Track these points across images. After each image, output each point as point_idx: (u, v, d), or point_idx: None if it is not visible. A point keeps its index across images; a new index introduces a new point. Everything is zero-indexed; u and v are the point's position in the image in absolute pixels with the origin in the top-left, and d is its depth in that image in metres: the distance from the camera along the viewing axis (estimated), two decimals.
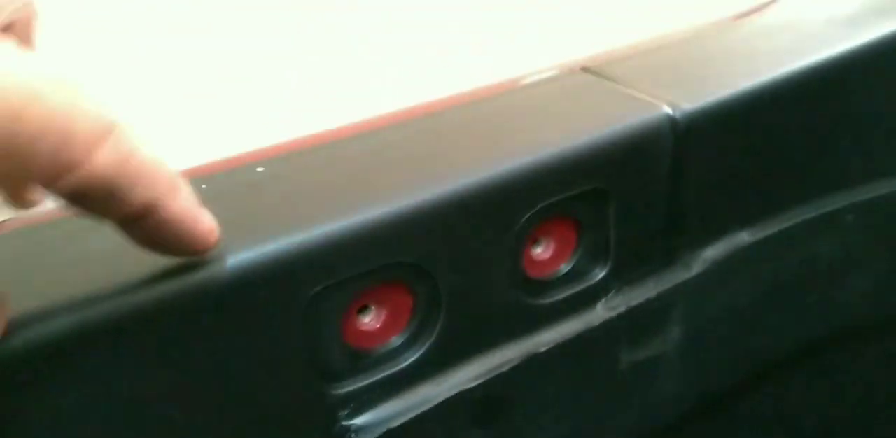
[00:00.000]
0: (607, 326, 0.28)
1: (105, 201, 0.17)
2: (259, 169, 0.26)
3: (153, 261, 0.20)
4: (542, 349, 0.27)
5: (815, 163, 0.32)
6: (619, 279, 0.29)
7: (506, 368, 0.26)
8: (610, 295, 0.29)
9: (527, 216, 0.26)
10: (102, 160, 0.16)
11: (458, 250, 0.25)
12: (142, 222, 0.18)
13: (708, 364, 0.33)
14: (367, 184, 0.24)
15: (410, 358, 0.25)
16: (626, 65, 0.31)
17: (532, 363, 0.27)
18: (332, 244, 0.22)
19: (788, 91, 0.30)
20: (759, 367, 0.34)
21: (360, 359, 0.25)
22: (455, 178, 0.24)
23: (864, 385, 0.40)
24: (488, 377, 0.26)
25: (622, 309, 0.29)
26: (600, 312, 0.28)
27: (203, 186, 0.24)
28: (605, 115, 0.27)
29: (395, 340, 0.25)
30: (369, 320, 0.25)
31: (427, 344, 0.25)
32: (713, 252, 0.31)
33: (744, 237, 0.31)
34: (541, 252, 0.27)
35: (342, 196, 0.23)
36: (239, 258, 0.21)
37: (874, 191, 0.34)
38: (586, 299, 0.28)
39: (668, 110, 0.28)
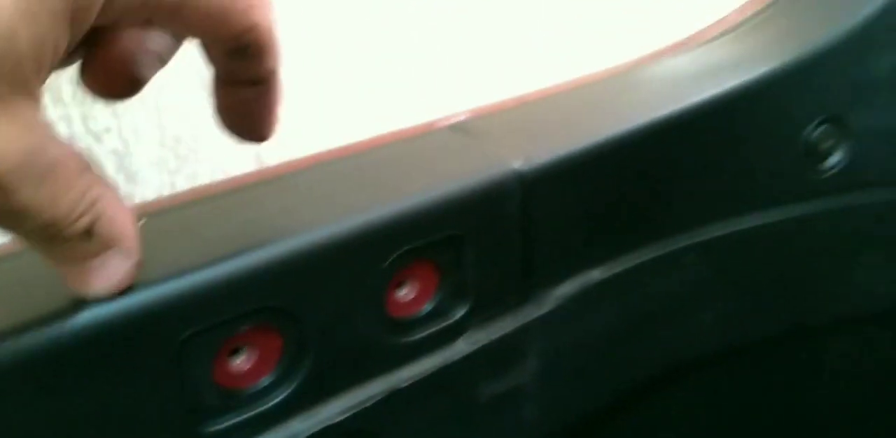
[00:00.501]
0: (467, 360, 0.31)
1: (253, 59, 0.23)
2: (140, 221, 0.28)
3: (24, 311, 0.22)
4: (406, 383, 0.30)
5: (656, 209, 0.37)
6: (478, 316, 0.32)
7: (370, 403, 0.29)
8: (469, 331, 0.32)
9: (389, 261, 0.28)
10: (269, 19, 0.22)
11: (324, 294, 0.27)
12: (259, 86, 0.24)
13: (567, 392, 0.36)
14: (237, 233, 0.26)
15: (280, 396, 0.27)
16: (489, 122, 0.35)
17: (396, 397, 0.29)
18: (202, 291, 0.24)
19: (629, 146, 0.34)
20: (616, 395, 0.38)
21: (232, 398, 0.27)
22: (322, 227, 0.27)
23: (717, 408, 0.44)
24: (354, 411, 0.28)
25: (481, 344, 0.32)
26: (461, 347, 0.31)
27: None
28: (462, 170, 0.31)
29: (266, 380, 0.27)
30: (240, 361, 0.27)
31: (296, 383, 0.27)
32: (565, 289, 0.34)
33: (594, 275, 0.35)
34: (405, 293, 0.30)
35: (212, 245, 0.26)
36: (109, 306, 0.23)
37: (710, 233, 0.38)
38: (447, 336, 0.31)
39: (516, 165, 0.31)
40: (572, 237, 0.34)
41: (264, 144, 0.27)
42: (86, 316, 0.23)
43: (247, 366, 0.27)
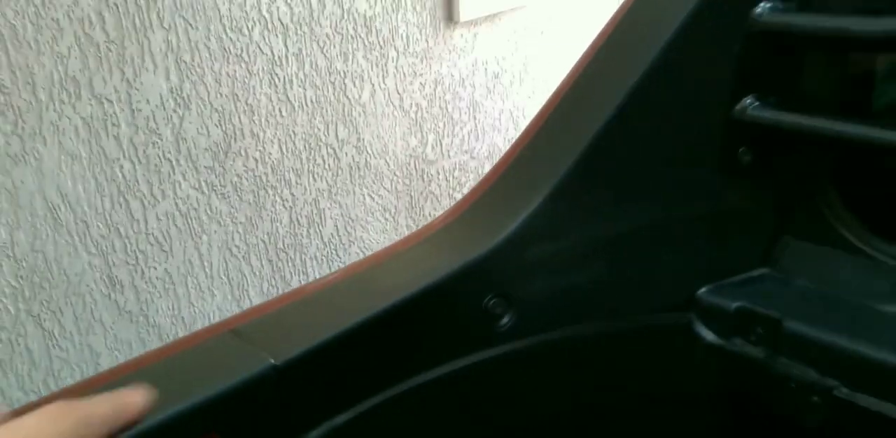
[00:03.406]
0: None
1: None
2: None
3: None
4: None
5: (378, 369, 0.57)
6: None
7: None
8: None
9: (193, 432, 0.47)
10: None
11: None
12: None
13: None
14: None
15: None
16: (259, 324, 0.55)
17: None
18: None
19: (357, 335, 0.55)
20: None
21: None
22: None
23: None
24: None
25: None
26: None
27: None
28: (232, 368, 0.50)
29: None
30: None
31: None
32: (315, 434, 0.54)
33: (339, 420, 0.55)
34: None
35: None
36: None
37: (424, 378, 0.59)
38: None
39: (272, 360, 0.51)
40: (316, 398, 0.54)
41: None
42: None
43: None
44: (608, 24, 0.68)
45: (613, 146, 0.63)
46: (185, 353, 0.52)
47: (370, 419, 0.56)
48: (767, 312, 0.62)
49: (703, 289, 0.66)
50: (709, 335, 0.65)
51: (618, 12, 0.68)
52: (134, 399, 0.42)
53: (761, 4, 0.63)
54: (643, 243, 0.64)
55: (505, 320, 0.62)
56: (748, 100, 0.64)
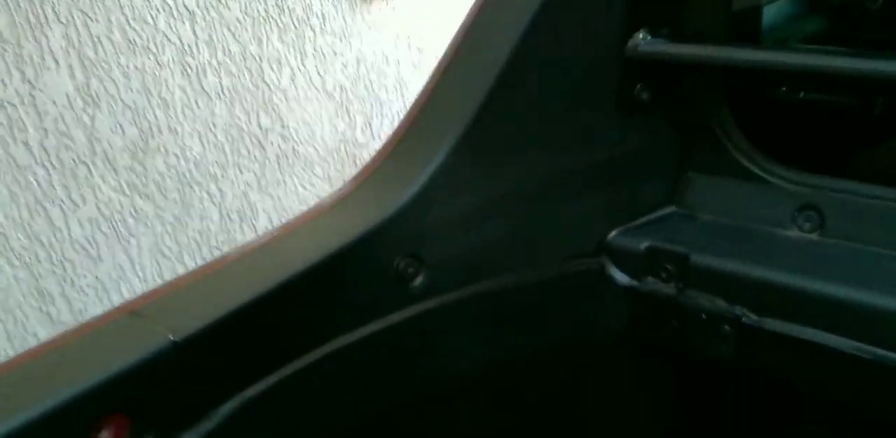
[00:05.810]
0: None
1: None
2: None
3: None
4: None
5: (286, 340, 0.59)
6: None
7: None
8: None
9: (94, 413, 0.48)
10: None
11: None
12: None
13: None
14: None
15: None
16: (159, 303, 0.56)
17: None
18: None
19: (253, 309, 0.56)
20: None
21: None
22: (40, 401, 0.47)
23: None
24: None
25: None
26: None
27: None
28: (133, 345, 0.51)
29: None
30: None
31: None
32: (226, 408, 0.55)
33: (249, 392, 0.57)
34: (106, 435, 0.50)
35: None
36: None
37: (338, 344, 0.61)
38: None
39: (171, 337, 0.52)
40: (223, 371, 0.55)
41: None
42: None
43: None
44: None
45: (510, 97, 0.65)
46: (82, 338, 0.53)
47: (286, 387, 0.58)
48: (675, 249, 0.64)
49: (612, 233, 0.68)
50: (622, 277, 0.68)
51: None
52: None
53: None
54: (549, 193, 0.67)
55: (417, 281, 0.64)
56: (640, 36, 0.66)
